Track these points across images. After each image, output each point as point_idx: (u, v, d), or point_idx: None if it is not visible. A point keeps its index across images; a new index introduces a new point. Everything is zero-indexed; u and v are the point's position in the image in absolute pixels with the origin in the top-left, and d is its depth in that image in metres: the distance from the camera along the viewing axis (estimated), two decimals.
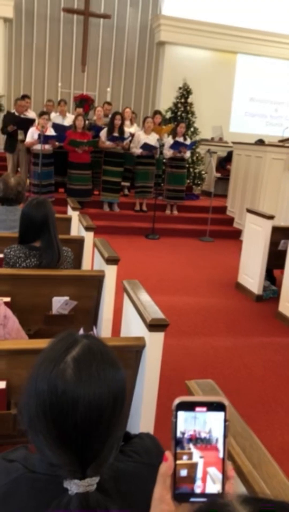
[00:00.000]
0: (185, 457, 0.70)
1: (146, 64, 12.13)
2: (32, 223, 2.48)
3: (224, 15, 10.59)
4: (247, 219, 5.22)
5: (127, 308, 2.15)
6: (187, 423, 0.71)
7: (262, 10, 10.84)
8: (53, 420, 0.81)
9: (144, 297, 2.01)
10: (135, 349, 1.84)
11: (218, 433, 0.71)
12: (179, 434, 0.70)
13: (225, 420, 0.72)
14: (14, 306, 2.38)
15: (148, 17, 11.81)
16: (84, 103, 10.01)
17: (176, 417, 0.71)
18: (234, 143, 8.69)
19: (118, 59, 12.01)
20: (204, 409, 0.71)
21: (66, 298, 2.53)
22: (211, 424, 0.71)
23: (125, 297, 2.19)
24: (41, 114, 7.08)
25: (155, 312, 1.83)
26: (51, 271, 2.52)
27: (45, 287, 2.52)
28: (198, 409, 0.71)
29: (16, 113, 7.78)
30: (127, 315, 2.18)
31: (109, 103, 8.97)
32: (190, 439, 0.70)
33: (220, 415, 0.72)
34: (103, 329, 2.64)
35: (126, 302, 2.17)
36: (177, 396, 0.73)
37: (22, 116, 7.76)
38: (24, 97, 8.47)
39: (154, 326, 1.78)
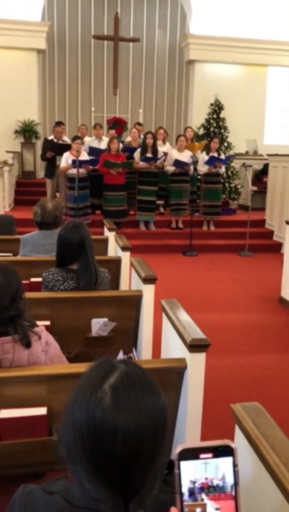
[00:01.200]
0: (198, 510, 0.64)
1: (176, 83, 12.25)
2: (69, 246, 2.49)
3: (252, 29, 10.57)
4: (287, 231, 5.08)
5: (167, 328, 2.11)
6: (197, 470, 0.65)
7: None
8: (91, 451, 0.78)
9: (183, 316, 1.95)
10: (177, 371, 1.79)
11: (232, 480, 0.65)
12: (189, 484, 0.64)
13: (234, 465, 0.66)
14: (53, 330, 2.37)
15: (176, 37, 11.97)
16: (117, 125, 10.18)
17: (179, 468, 0.65)
18: (269, 155, 8.57)
19: (149, 80, 12.19)
20: (210, 455, 0.65)
21: (105, 319, 2.51)
22: (224, 469, 0.65)
23: (164, 317, 2.14)
24: (74, 139, 7.23)
25: (195, 332, 1.78)
26: (89, 293, 2.51)
27: (83, 309, 2.51)
28: (202, 456, 0.65)
29: (54, 140, 7.99)
30: (167, 336, 2.13)
31: (140, 124, 9.08)
32: (202, 488, 0.64)
33: (228, 460, 0.66)
34: (144, 350, 2.59)
35: (166, 322, 2.13)
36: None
37: (60, 142, 7.96)
38: (59, 123, 8.70)
39: (194, 346, 1.72)
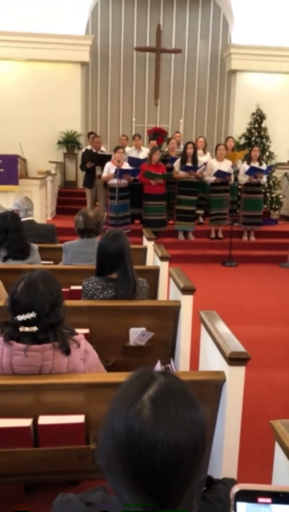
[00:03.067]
0: None
1: (218, 93, 12.22)
2: (108, 255, 2.52)
3: None
4: None
5: (206, 340, 2.08)
6: None
7: None
8: (130, 463, 0.78)
9: (223, 328, 1.93)
10: (215, 384, 1.76)
11: None
12: None
13: None
14: (92, 338, 2.40)
15: (218, 47, 11.96)
16: (158, 135, 10.24)
17: (235, 508, 0.62)
18: None
19: (190, 90, 12.21)
20: (269, 500, 0.62)
21: (143, 329, 2.51)
22: None
23: (203, 329, 2.12)
24: (116, 149, 7.33)
25: (235, 345, 1.75)
26: (127, 302, 2.52)
27: (122, 318, 2.52)
28: (261, 499, 0.62)
29: (93, 150, 8.13)
30: (205, 348, 2.11)
31: (177, 132, 9.21)
32: None
33: (288, 509, 0.62)
34: (181, 362, 2.57)
35: (204, 334, 2.10)
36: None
37: (99, 152, 8.09)
38: (94, 134, 8.86)
39: (234, 359, 1.69)
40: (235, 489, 0.63)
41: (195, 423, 0.80)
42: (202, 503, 0.89)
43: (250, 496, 0.63)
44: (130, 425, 0.78)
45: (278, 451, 1.22)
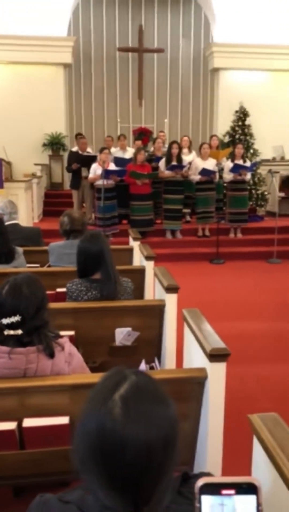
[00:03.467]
0: None
1: (201, 92, 12.27)
2: (89, 256, 2.53)
3: (276, 35, 10.48)
4: None
5: (188, 337, 2.11)
6: (218, 509, 0.62)
7: None
8: (103, 461, 0.80)
9: (204, 325, 1.95)
10: (198, 381, 1.78)
11: None
12: None
13: (258, 505, 0.64)
14: (78, 339, 2.41)
15: (200, 46, 12.01)
16: (143, 135, 10.26)
17: (200, 502, 0.63)
18: None
19: (174, 90, 12.25)
20: (232, 491, 0.63)
21: (129, 329, 2.53)
22: (247, 510, 0.62)
23: (186, 327, 2.14)
24: (101, 150, 7.33)
25: (215, 341, 1.77)
26: (112, 302, 2.54)
27: (107, 318, 2.54)
28: (224, 492, 0.63)
29: (79, 151, 8.12)
30: (188, 345, 2.13)
31: (161, 131, 9.31)
32: None
33: (251, 499, 0.63)
34: (167, 360, 2.59)
35: (187, 332, 2.13)
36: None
37: (85, 153, 8.08)
38: (81, 135, 8.86)
39: (214, 356, 1.71)
40: (199, 483, 0.64)
41: (166, 420, 0.82)
42: (178, 498, 0.91)
43: (214, 489, 0.64)
44: (101, 424, 0.80)
45: (255, 444, 1.24)
